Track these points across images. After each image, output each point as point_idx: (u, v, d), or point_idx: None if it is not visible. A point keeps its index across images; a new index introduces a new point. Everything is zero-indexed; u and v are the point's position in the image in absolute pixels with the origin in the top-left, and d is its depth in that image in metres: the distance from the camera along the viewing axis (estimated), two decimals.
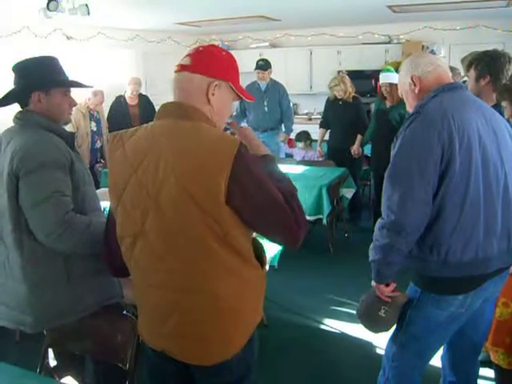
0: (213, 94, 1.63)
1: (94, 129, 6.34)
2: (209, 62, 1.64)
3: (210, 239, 1.52)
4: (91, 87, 2.43)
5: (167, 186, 1.51)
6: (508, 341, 2.61)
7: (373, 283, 2.19)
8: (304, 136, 7.01)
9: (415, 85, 2.15)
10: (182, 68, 1.63)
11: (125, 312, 2.27)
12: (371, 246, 2.11)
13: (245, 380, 1.77)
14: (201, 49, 1.67)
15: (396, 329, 2.29)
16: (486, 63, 2.91)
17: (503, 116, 2.62)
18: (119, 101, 6.74)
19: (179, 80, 1.64)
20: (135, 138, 1.62)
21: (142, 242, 1.61)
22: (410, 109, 2.22)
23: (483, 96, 2.93)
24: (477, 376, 2.57)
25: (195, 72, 1.61)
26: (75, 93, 2.24)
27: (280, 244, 1.55)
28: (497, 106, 2.72)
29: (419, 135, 1.96)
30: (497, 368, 2.78)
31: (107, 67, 8.13)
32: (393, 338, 2.33)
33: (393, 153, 2.06)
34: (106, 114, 6.66)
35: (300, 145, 6.97)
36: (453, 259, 1.99)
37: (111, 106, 6.76)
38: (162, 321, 1.66)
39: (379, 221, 2.06)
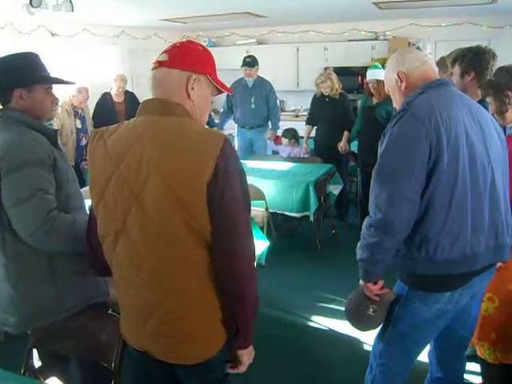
0: (192, 88, 1.61)
1: (79, 126, 6.27)
2: (186, 56, 1.63)
3: (189, 238, 1.51)
4: (74, 84, 2.40)
5: (151, 183, 1.49)
6: (493, 335, 2.62)
7: (360, 282, 2.19)
8: (291, 133, 7.00)
9: (402, 81, 2.14)
10: (159, 64, 1.62)
11: (110, 311, 2.25)
12: (358, 244, 2.10)
13: (228, 377, 1.76)
14: (178, 45, 1.66)
15: (383, 326, 2.29)
16: (470, 59, 2.92)
17: (488, 112, 2.63)
18: (105, 98, 6.69)
19: (158, 76, 1.63)
20: (117, 134, 1.60)
21: (123, 241, 1.60)
22: (396, 105, 2.21)
23: (468, 92, 2.94)
24: (463, 372, 2.59)
25: (173, 67, 1.60)
26: (60, 90, 2.21)
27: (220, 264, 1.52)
28: (482, 102, 2.73)
29: (406, 133, 1.95)
30: (482, 362, 2.79)
31: (92, 64, 8.08)
32: (380, 335, 2.33)
33: (380, 150, 2.05)
34: (91, 112, 6.60)
35: (286, 141, 6.96)
36: (441, 257, 1.98)
37: (97, 103, 6.70)
38: (144, 320, 1.64)
39: (367, 219, 2.05)
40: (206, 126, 1.81)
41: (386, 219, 1.95)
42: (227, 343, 1.68)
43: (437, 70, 2.21)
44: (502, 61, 2.72)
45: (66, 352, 2.26)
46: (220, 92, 1.74)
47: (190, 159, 1.47)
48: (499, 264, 2.35)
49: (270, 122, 6.74)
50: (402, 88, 2.14)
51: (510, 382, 2.81)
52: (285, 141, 6.91)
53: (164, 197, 1.48)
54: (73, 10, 5.17)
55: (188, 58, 1.63)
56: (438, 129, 1.91)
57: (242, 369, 1.75)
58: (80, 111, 6.33)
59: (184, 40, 1.72)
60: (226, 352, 1.70)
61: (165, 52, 1.64)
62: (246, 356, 1.73)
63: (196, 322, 1.62)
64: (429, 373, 2.63)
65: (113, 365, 2.04)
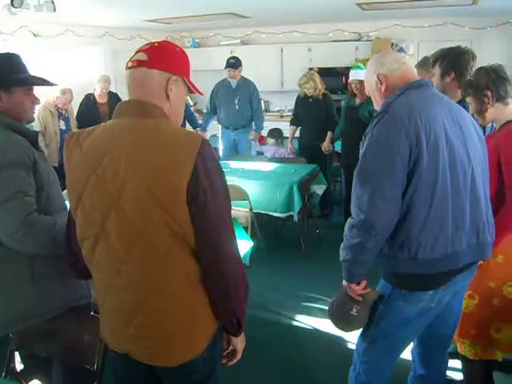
0: (171, 90, 1.61)
1: (63, 127, 6.24)
2: (166, 57, 1.61)
3: (169, 239, 1.51)
4: (56, 85, 2.38)
5: (129, 186, 1.49)
6: (473, 332, 2.66)
7: (344, 282, 2.20)
8: (276, 133, 7.03)
9: (381, 83, 2.16)
10: (138, 64, 1.59)
11: (93, 313, 2.24)
12: (341, 245, 2.11)
13: (211, 379, 1.76)
14: (156, 44, 1.64)
15: (367, 324, 2.30)
16: (450, 60, 2.96)
17: (468, 112, 2.67)
18: (88, 99, 6.66)
19: (135, 76, 1.60)
20: (93, 137, 1.59)
21: (102, 243, 1.59)
22: (377, 107, 2.23)
23: (448, 92, 2.98)
24: (446, 368, 2.61)
25: (153, 68, 1.58)
26: (43, 91, 2.19)
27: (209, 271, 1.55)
28: (462, 102, 2.76)
29: (386, 134, 1.97)
30: (463, 359, 2.83)
31: (76, 65, 8.02)
32: (363, 334, 2.34)
33: (361, 152, 2.06)
34: (75, 113, 6.57)
35: (271, 141, 6.97)
36: (423, 256, 2.00)
37: (80, 105, 6.68)
38: (125, 323, 1.63)
39: (349, 220, 2.06)
40: (189, 128, 1.80)
41: (368, 220, 1.96)
42: (209, 345, 1.68)
43: (415, 71, 2.24)
44: (483, 61, 2.75)
45: (48, 354, 2.25)
46: (192, 92, 1.74)
47: (168, 160, 1.47)
48: (480, 261, 2.39)
49: (253, 123, 6.75)
50: (382, 90, 2.17)
51: (489, 378, 2.86)
52: (271, 141, 6.94)
53: (143, 199, 1.48)
54: (55, 11, 5.13)
55: (168, 59, 1.62)
56: (418, 129, 1.93)
57: (238, 356, 1.81)
58: (64, 112, 6.30)
59: (161, 40, 1.70)
60: (210, 353, 1.70)
61: (142, 51, 1.61)
62: (240, 342, 1.78)
63: (177, 324, 1.61)
64: (412, 370, 2.65)
65: (95, 366, 2.03)
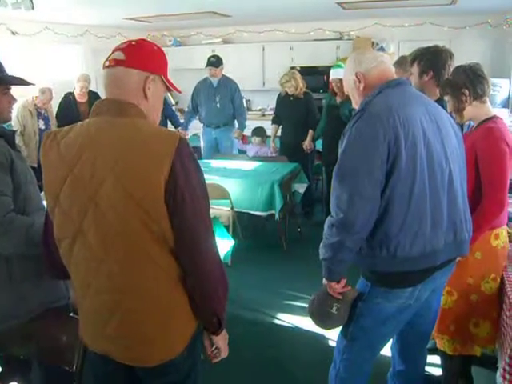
0: (149, 89, 1.60)
1: (43, 127, 6.17)
2: (144, 56, 1.60)
3: (147, 238, 1.50)
4: (33, 85, 2.35)
5: (106, 185, 1.48)
6: (452, 328, 2.69)
7: (324, 281, 2.21)
8: (261, 131, 7.05)
9: (360, 81, 2.16)
10: (115, 63, 1.57)
11: (72, 314, 2.22)
12: (321, 244, 2.12)
13: (191, 378, 1.76)
14: (133, 43, 1.62)
15: (346, 322, 2.31)
16: (428, 59, 2.98)
17: (446, 110, 2.69)
18: (68, 98, 6.59)
19: (113, 75, 1.58)
20: (70, 136, 1.57)
21: (80, 244, 1.57)
22: (355, 105, 2.24)
23: (426, 91, 3.00)
24: (424, 364, 2.64)
25: (131, 67, 1.57)
26: (22, 90, 2.16)
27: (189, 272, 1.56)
28: (440, 101, 2.79)
29: (365, 133, 1.97)
30: (442, 354, 2.86)
31: (55, 64, 7.95)
32: (343, 331, 2.35)
33: (340, 151, 2.07)
34: (54, 112, 6.50)
35: (257, 140, 6.99)
36: (401, 254, 2.01)
37: (60, 104, 6.60)
38: (104, 323, 1.62)
39: (328, 219, 2.07)
40: (171, 128, 1.79)
41: (347, 218, 1.97)
42: (189, 345, 1.68)
43: (394, 69, 2.25)
44: (462, 60, 2.76)
45: (27, 356, 2.23)
46: (170, 90, 1.73)
47: (145, 159, 1.46)
48: (458, 258, 2.41)
49: (236, 121, 6.73)
50: (361, 88, 2.17)
51: (468, 373, 2.90)
52: (257, 140, 6.96)
53: (120, 198, 1.47)
54: (33, 8, 5.06)
55: (146, 58, 1.61)
56: (396, 128, 1.93)
57: (224, 354, 1.80)
58: (43, 112, 6.24)
59: (138, 38, 1.68)
60: (189, 353, 1.70)
61: (119, 50, 1.59)
62: (222, 340, 1.78)
63: (156, 324, 1.61)
64: (391, 366, 2.67)
65: (74, 367, 2.02)
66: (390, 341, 2.55)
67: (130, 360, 1.67)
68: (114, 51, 1.61)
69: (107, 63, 1.59)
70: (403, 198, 1.97)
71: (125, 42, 1.63)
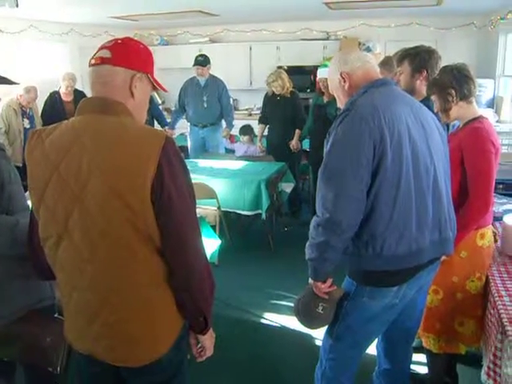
0: (135, 87, 1.59)
1: (28, 126, 6.11)
2: (130, 54, 1.59)
3: (133, 237, 1.49)
4: (17, 84, 2.33)
5: (91, 184, 1.46)
6: (438, 326, 2.70)
7: (310, 281, 2.21)
8: (248, 129, 7.06)
9: (345, 81, 2.17)
10: (101, 61, 1.56)
11: (56, 315, 2.20)
12: (307, 244, 2.12)
13: (177, 378, 1.75)
14: (119, 41, 1.61)
15: (332, 321, 2.32)
16: (423, 59, 2.97)
17: (432, 110, 2.70)
18: (53, 97, 6.52)
19: (99, 74, 1.57)
20: (55, 134, 1.56)
21: (66, 243, 1.56)
22: (341, 105, 2.24)
23: (417, 91, 3.01)
24: (410, 363, 2.65)
25: (118, 65, 1.55)
26: (6, 89, 2.13)
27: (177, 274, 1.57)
28: (426, 100, 2.80)
29: (350, 133, 1.98)
30: (428, 353, 2.88)
31: (40, 62, 7.87)
32: (329, 331, 2.36)
33: (325, 150, 2.07)
34: (39, 111, 6.44)
35: (245, 138, 7.00)
36: (387, 253, 2.02)
37: (45, 103, 6.53)
38: (88, 323, 1.61)
39: (314, 219, 2.07)
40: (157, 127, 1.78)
41: (333, 218, 1.97)
42: (174, 345, 1.67)
43: (378, 69, 2.25)
44: (448, 61, 2.77)
45: (11, 358, 2.20)
46: (156, 89, 1.72)
47: (131, 158, 1.45)
48: (443, 257, 2.43)
49: (223, 121, 6.73)
50: (346, 88, 2.18)
51: (453, 371, 2.92)
52: (245, 138, 6.95)
53: (106, 197, 1.46)
54: (17, 6, 5.00)
55: (132, 56, 1.60)
56: (382, 128, 1.94)
57: (209, 353, 1.80)
58: (28, 111, 6.18)
59: (124, 37, 1.67)
60: (175, 352, 1.69)
61: (105, 48, 1.58)
62: (209, 339, 1.77)
63: (141, 324, 1.60)
64: (377, 365, 2.68)
65: (58, 369, 2.00)
66: (376, 340, 2.56)
67: (115, 360, 1.65)
68: (100, 49, 1.60)
69: (93, 61, 1.58)
70: (389, 197, 1.98)
71: (111, 40, 1.62)
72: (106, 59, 1.56)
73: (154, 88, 1.70)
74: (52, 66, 8.05)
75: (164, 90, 1.74)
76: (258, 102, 8.58)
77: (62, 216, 1.53)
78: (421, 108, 2.20)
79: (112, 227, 1.48)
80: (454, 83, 2.56)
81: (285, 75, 6.11)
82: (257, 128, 6.84)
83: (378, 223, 2.00)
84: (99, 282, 1.56)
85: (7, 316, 2.09)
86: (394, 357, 2.55)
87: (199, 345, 1.79)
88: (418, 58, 2.99)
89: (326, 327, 2.37)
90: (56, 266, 1.65)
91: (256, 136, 6.90)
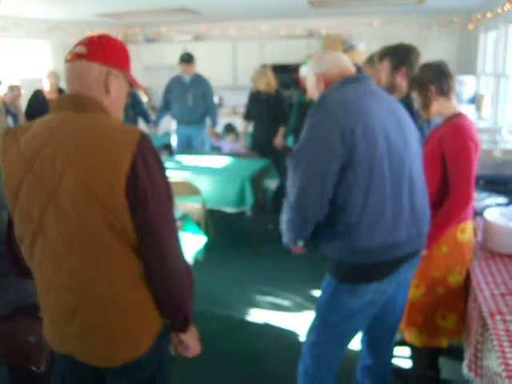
0: (111, 83, 1.58)
1: (12, 124, 6.07)
2: (106, 50, 1.58)
3: (109, 236, 1.48)
4: None
5: (66, 181, 1.45)
6: (420, 320, 2.74)
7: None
8: (230, 128, 7.07)
9: (320, 81, 2.22)
10: (77, 57, 1.55)
11: (40, 313, 2.19)
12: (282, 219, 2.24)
13: (158, 377, 1.73)
14: (96, 38, 1.60)
15: (314, 318, 2.36)
16: (402, 56, 3.01)
17: (413, 107, 2.74)
18: (37, 95, 6.45)
19: (75, 69, 1.56)
20: (30, 132, 1.54)
21: (41, 241, 1.54)
22: None
23: (397, 87, 3.05)
24: (391, 358, 2.68)
25: (93, 61, 1.54)
26: None
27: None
28: (407, 98, 2.83)
29: (320, 125, 2.03)
30: (410, 347, 2.92)
31: (23, 60, 7.80)
32: (311, 327, 2.38)
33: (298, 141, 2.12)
34: (23, 109, 6.39)
35: (231, 137, 7.02)
36: (361, 245, 2.05)
37: (29, 101, 6.45)
38: (66, 323, 1.59)
39: (286, 200, 2.18)
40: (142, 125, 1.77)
41: (299, 204, 2.08)
42: (155, 343, 1.65)
43: (353, 68, 2.27)
44: (429, 58, 2.80)
45: None
46: (132, 87, 1.71)
47: (105, 155, 1.43)
48: (424, 253, 2.47)
49: (208, 118, 6.74)
50: (321, 88, 2.22)
51: (435, 364, 2.96)
52: (230, 137, 6.97)
53: (81, 195, 1.44)
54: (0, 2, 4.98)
55: (108, 52, 1.59)
56: (351, 120, 1.98)
57: (195, 350, 1.79)
58: (12, 109, 6.13)
59: (100, 33, 1.65)
60: (155, 351, 1.67)
61: (81, 44, 1.57)
62: (190, 337, 1.76)
63: (120, 323, 1.58)
64: (360, 360, 2.71)
65: (42, 368, 1.99)
66: (359, 335, 2.59)
67: (95, 360, 1.64)
68: (76, 45, 1.59)
69: (69, 57, 1.57)
70: (361, 188, 2.01)
71: (87, 37, 1.61)
72: (82, 55, 1.55)
73: (131, 86, 1.69)
74: (36, 63, 7.98)
75: (141, 87, 1.74)
76: (243, 100, 8.57)
77: (36, 215, 1.51)
78: (396, 104, 2.24)
79: (87, 225, 1.47)
80: (434, 79, 2.60)
81: (270, 72, 6.13)
82: (240, 126, 6.84)
83: (351, 214, 2.04)
84: (76, 281, 1.54)
85: None
86: (376, 352, 2.58)
87: (183, 343, 1.77)
88: (397, 55, 3.03)
89: (308, 324, 2.40)
90: (33, 265, 1.62)
91: (239, 134, 6.91)
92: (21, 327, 2.12)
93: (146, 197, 1.46)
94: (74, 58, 1.55)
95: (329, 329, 2.30)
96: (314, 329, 2.35)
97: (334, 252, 2.15)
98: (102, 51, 1.57)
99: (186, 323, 1.70)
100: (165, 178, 1.55)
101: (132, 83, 1.68)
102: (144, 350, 1.63)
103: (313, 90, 2.29)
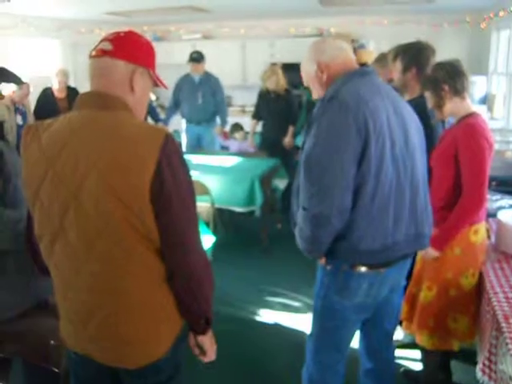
0: (136, 82, 1.54)
1: (20, 122, 6.06)
2: (132, 48, 1.54)
3: (132, 238, 1.45)
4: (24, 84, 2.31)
5: (89, 181, 1.41)
6: (431, 323, 2.71)
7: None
8: (238, 127, 7.04)
9: (322, 72, 2.10)
10: (102, 53, 1.50)
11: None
12: (296, 233, 2.12)
13: (174, 380, 1.71)
14: (121, 34, 1.56)
15: (312, 324, 2.34)
16: (412, 55, 2.99)
17: (426, 107, 2.71)
18: (46, 93, 6.47)
19: (99, 66, 1.52)
20: (52, 129, 1.51)
21: (61, 242, 1.51)
22: (316, 96, 2.17)
23: (409, 87, 3.02)
24: (393, 360, 2.64)
25: (118, 58, 1.50)
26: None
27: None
28: (421, 97, 2.80)
29: (336, 123, 1.91)
30: (421, 349, 2.89)
31: (33, 58, 7.82)
32: (310, 334, 2.37)
33: (308, 141, 2.00)
34: (32, 107, 6.40)
35: (238, 136, 6.99)
36: (364, 247, 2.00)
37: (38, 99, 6.47)
38: (84, 324, 1.57)
39: (301, 212, 2.03)
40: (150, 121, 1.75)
41: (322, 213, 1.93)
42: (173, 347, 1.63)
43: (354, 57, 2.18)
44: (440, 57, 2.79)
45: (9, 355, 2.18)
46: (157, 86, 1.67)
47: (129, 156, 1.40)
48: (436, 254, 2.43)
49: (217, 117, 6.71)
50: (324, 79, 2.10)
51: (447, 368, 2.93)
52: (238, 135, 6.94)
53: (103, 195, 1.40)
54: (9, 1, 4.98)
55: (134, 50, 1.55)
56: (366, 118, 1.89)
57: (210, 355, 1.78)
58: (21, 107, 6.13)
59: (126, 30, 1.62)
60: (173, 354, 1.65)
61: (107, 40, 1.53)
62: (209, 341, 1.75)
63: (139, 325, 1.56)
64: (361, 365, 2.67)
65: (61, 368, 1.97)
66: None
67: (111, 361, 1.62)
68: (101, 41, 1.55)
69: (93, 53, 1.54)
70: (370, 188, 1.94)
71: (113, 33, 1.58)
72: (107, 51, 1.51)
73: (155, 84, 1.66)
74: (45, 62, 7.99)
75: (165, 86, 1.70)
76: (252, 99, 8.55)
77: (57, 214, 1.49)
78: (399, 100, 2.16)
79: (109, 226, 1.43)
80: (448, 79, 2.57)
81: (280, 71, 6.11)
82: (249, 125, 6.82)
83: (358, 216, 1.96)
84: (95, 283, 1.52)
85: (15, 309, 2.07)
86: (375, 356, 2.54)
87: (201, 346, 1.74)
88: (408, 54, 3.00)
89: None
90: (51, 264, 1.60)
91: (247, 133, 6.89)
92: (40, 325, 2.10)
93: (171, 199, 1.43)
94: (99, 54, 1.52)
95: (325, 334, 2.29)
96: (312, 336, 2.34)
97: (333, 253, 2.09)
98: (127, 49, 1.53)
99: (207, 325, 1.69)
100: (188, 177, 1.53)
101: (157, 82, 1.65)
102: (161, 354, 1.61)
103: (311, 79, 2.16)
